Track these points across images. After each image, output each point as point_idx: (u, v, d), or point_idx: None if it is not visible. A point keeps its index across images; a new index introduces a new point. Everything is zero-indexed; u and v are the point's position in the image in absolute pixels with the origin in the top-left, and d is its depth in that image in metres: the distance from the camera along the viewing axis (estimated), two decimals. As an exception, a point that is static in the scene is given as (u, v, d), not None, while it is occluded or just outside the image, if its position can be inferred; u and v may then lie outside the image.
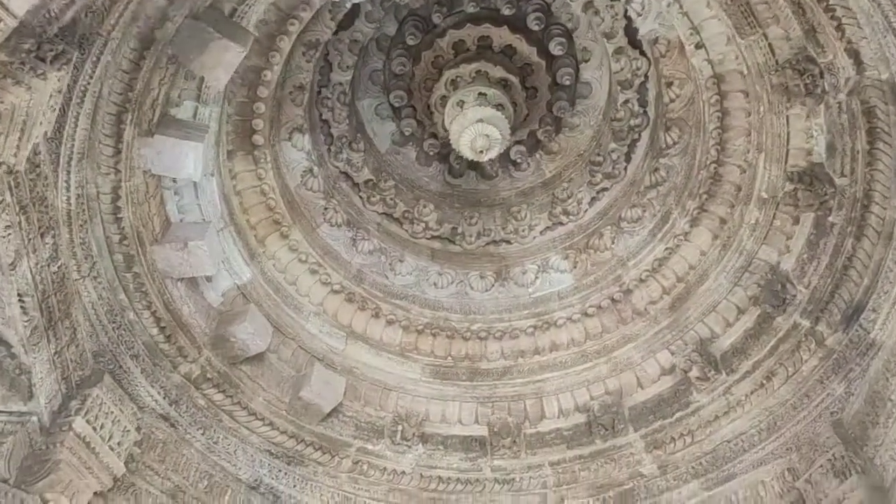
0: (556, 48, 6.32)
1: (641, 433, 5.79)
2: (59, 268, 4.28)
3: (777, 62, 4.61)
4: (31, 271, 4.02)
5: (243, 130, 5.50)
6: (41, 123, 3.50)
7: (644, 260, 6.11)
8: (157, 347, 5.16)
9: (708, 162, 5.56)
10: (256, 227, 5.83)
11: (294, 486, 5.68)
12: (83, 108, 4.00)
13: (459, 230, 6.75)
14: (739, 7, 4.52)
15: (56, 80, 3.37)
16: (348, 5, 5.41)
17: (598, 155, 6.56)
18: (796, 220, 5.18)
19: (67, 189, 4.22)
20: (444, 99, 6.34)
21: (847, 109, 4.46)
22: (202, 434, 5.35)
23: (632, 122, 6.30)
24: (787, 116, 4.87)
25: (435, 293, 6.50)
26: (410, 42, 6.30)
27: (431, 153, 6.83)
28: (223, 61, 4.28)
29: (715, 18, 4.91)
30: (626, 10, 5.78)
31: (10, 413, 4.27)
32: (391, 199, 6.67)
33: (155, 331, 5.12)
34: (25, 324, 4.06)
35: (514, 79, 6.29)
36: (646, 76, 6.11)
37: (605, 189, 6.52)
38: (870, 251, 4.81)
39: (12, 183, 3.74)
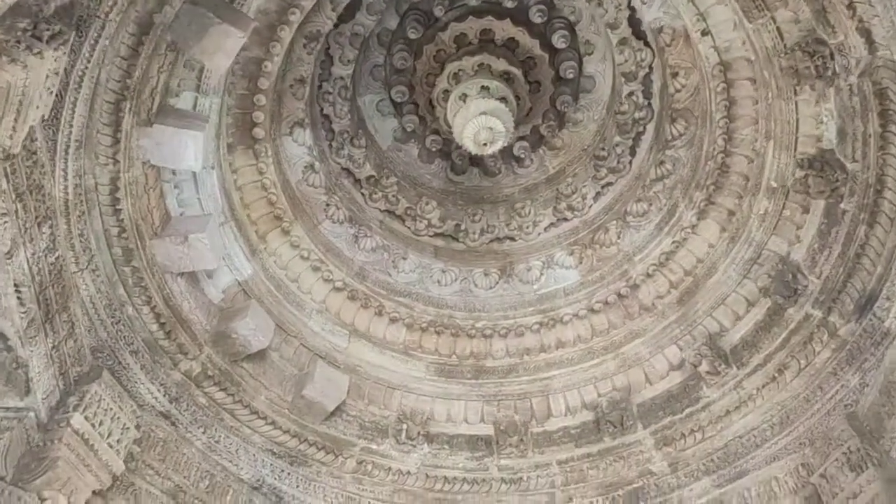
0: (559, 41, 6.26)
1: (651, 430, 5.69)
2: (56, 259, 4.19)
3: (786, 46, 4.53)
4: (27, 261, 3.93)
5: (244, 123, 5.43)
6: (38, 106, 3.42)
7: (651, 254, 6.03)
8: (157, 344, 5.06)
9: (715, 152, 5.48)
10: (257, 223, 5.74)
11: (297, 486, 5.57)
12: (81, 93, 3.92)
13: (463, 227, 6.67)
14: (747, -10, 4.44)
15: (53, 60, 3.29)
16: (349, -3, 5.34)
17: (603, 149, 6.49)
18: (806, 209, 5.09)
19: (65, 178, 4.13)
20: (446, 93, 6.28)
21: (858, 92, 4.38)
22: (203, 433, 5.25)
23: (636, 115, 6.23)
24: (796, 102, 4.79)
25: (439, 291, 6.42)
26: (412, 36, 6.24)
27: (434, 149, 6.76)
28: (224, 47, 4.21)
29: (721, 4, 4.84)
30: (629, 1, 5.73)
31: (7, 409, 4.18)
32: (393, 195, 6.60)
33: (155, 327, 5.02)
34: (22, 315, 3.96)
35: (517, 72, 6.23)
36: (650, 67, 6.04)
37: (609, 184, 6.45)
38: (883, 238, 4.72)
39: (8, 169, 3.66)
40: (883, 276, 4.74)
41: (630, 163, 6.36)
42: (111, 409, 4.65)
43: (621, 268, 6.16)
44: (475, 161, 6.90)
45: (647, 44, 5.94)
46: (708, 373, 5.50)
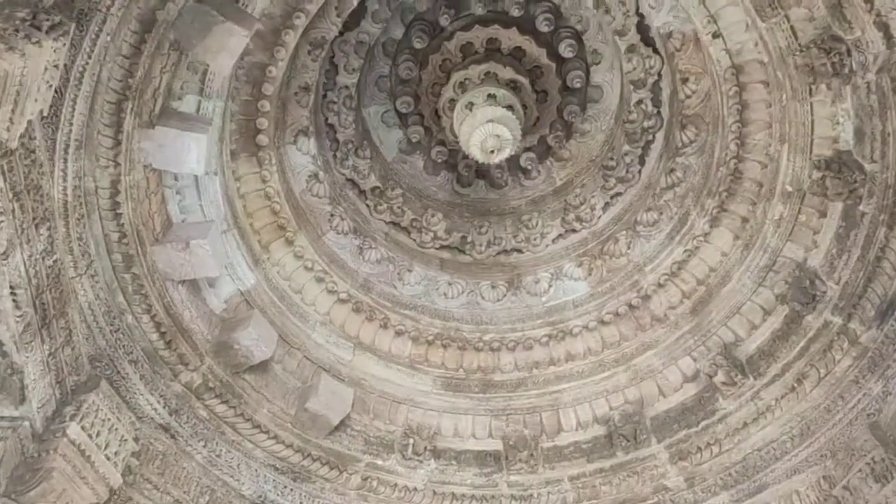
0: (566, 50, 6.19)
1: (665, 444, 5.54)
2: (54, 262, 4.07)
3: (800, 45, 4.44)
4: (24, 263, 3.81)
5: (247, 130, 5.34)
6: (36, 100, 3.33)
7: (662, 264, 5.92)
8: (157, 354, 4.93)
9: (727, 158, 5.38)
10: (261, 232, 5.64)
11: (300, 503, 5.41)
12: (81, 89, 3.83)
13: (469, 239, 6.57)
14: (761, -12, 4.37)
15: (52, 52, 3.20)
16: (355, 2, 5.28)
17: (611, 159, 6.39)
18: (823, 214, 4.98)
19: (64, 179, 4.03)
20: (452, 102, 6.20)
21: (876, 89, 4.29)
22: (203, 446, 5.10)
23: (645, 124, 6.15)
24: (811, 103, 4.70)
25: (445, 303, 6.30)
26: (417, 45, 6.18)
27: (439, 161, 6.67)
28: (227, 46, 4.13)
29: (733, 5, 4.77)
30: (637, 7, 5.67)
31: (2, 418, 4.04)
32: (398, 207, 6.51)
33: (155, 336, 4.90)
34: (18, 319, 3.84)
35: (523, 80, 6.15)
36: (659, 75, 5.96)
37: (619, 194, 6.35)
38: (904, 241, 4.61)
39: (6, 167, 3.56)
40: (905, 280, 4.62)
41: (639, 172, 6.26)
42: (109, 419, 4.51)
43: (632, 278, 6.05)
44: (481, 173, 6.82)
45: (655, 51, 5.87)
46: (724, 383, 5.36)
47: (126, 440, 4.58)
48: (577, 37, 6.25)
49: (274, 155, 5.53)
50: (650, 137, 6.18)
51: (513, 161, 6.61)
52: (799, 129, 4.85)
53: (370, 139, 6.54)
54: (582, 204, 6.49)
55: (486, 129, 5.61)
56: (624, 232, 6.17)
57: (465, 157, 6.56)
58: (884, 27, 3.99)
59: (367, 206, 6.42)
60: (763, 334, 5.34)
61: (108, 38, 3.77)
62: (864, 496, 4.59)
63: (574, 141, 6.64)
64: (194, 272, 4.87)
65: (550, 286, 6.32)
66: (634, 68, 5.99)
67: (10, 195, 3.61)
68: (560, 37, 6.22)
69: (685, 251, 5.77)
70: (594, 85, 6.45)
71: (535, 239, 6.54)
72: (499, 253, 6.56)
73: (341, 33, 5.74)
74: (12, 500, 3.94)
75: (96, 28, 3.66)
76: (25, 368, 3.99)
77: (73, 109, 3.86)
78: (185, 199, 5.00)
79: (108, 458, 4.42)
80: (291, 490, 5.39)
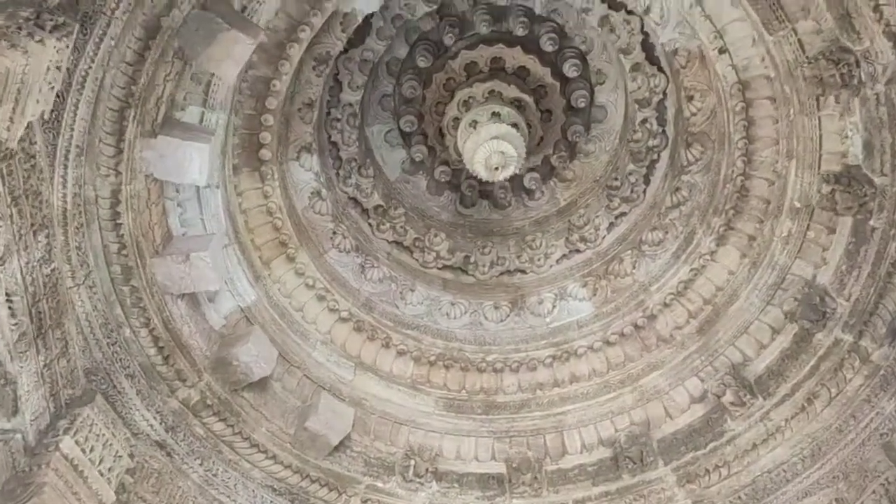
0: (570, 70, 6.19)
1: (673, 466, 5.44)
2: (51, 271, 4.00)
3: (808, 58, 4.42)
4: (21, 270, 3.74)
5: (250, 145, 5.31)
6: (38, 101, 3.29)
7: (668, 283, 5.85)
8: (154, 369, 4.85)
9: (734, 175, 5.34)
10: (262, 249, 5.58)
11: (298, 526, 5.26)
12: (83, 94, 3.80)
13: (472, 259, 6.51)
14: (767, 1, 4.34)
15: (55, 51, 3.17)
16: (360, 18, 5.27)
17: (616, 179, 6.35)
18: (832, 230, 4.92)
19: (64, 185, 3.97)
20: (456, 121, 6.19)
21: (886, 101, 4.25)
22: (200, 465, 4.99)
23: (650, 143, 6.12)
24: (820, 118, 4.66)
25: (447, 323, 6.22)
26: (421, 64, 6.17)
27: (442, 181, 6.63)
28: (232, 53, 4.10)
29: (739, 21, 4.76)
30: (642, 25, 5.67)
31: (-7, 430, 3.92)
32: (401, 226, 6.45)
33: (152, 351, 4.81)
34: (13, 327, 3.75)
35: (528, 99, 6.15)
36: (664, 93, 5.94)
37: (623, 213, 6.30)
38: (916, 256, 4.55)
39: (4, 170, 3.51)
40: (917, 296, 4.55)
41: (644, 191, 6.22)
42: (103, 434, 4.40)
43: (637, 298, 5.98)
44: (485, 193, 6.79)
45: (660, 69, 5.86)
46: (732, 404, 5.27)
47: (121, 456, 4.47)
48: (582, 56, 6.25)
49: (276, 170, 5.49)
50: (655, 156, 6.14)
51: (516, 181, 6.60)
52: (807, 144, 4.80)
53: (373, 158, 6.51)
54: (586, 224, 6.44)
55: (490, 145, 5.58)
56: (629, 252, 6.12)
57: (469, 177, 6.57)
58: (893, 37, 3.96)
59: (370, 224, 6.37)
60: (772, 353, 5.26)
61: (112, 43, 3.74)
62: (878, 519, 4.45)
63: (578, 161, 6.61)
64: (194, 285, 4.79)
65: (554, 307, 6.25)
66: (639, 87, 5.97)
67: (9, 199, 3.56)
68: (564, 56, 6.22)
69: (691, 270, 5.71)
70: (598, 105, 6.44)
71: (538, 259, 6.48)
72: (502, 273, 6.50)
73: (346, 50, 5.74)
74: (2, 515, 3.81)
75: (100, 31, 3.63)
76: (19, 379, 3.90)
77: (75, 115, 3.81)
78: (186, 212, 4.94)
79: (102, 475, 4.30)
80: (289, 512, 5.26)
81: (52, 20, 3.13)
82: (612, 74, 6.29)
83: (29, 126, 3.47)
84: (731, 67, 4.98)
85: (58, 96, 3.60)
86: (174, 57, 4.20)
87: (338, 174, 6.22)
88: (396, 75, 6.33)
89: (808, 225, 5.02)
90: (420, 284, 6.30)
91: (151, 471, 4.75)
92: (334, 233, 6.04)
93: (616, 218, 6.33)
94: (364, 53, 5.91)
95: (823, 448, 4.95)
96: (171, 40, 4.08)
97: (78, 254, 4.26)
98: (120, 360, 4.66)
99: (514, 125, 5.80)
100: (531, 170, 6.57)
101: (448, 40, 6.14)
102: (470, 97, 6.13)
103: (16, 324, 3.78)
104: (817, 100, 4.56)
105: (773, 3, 4.36)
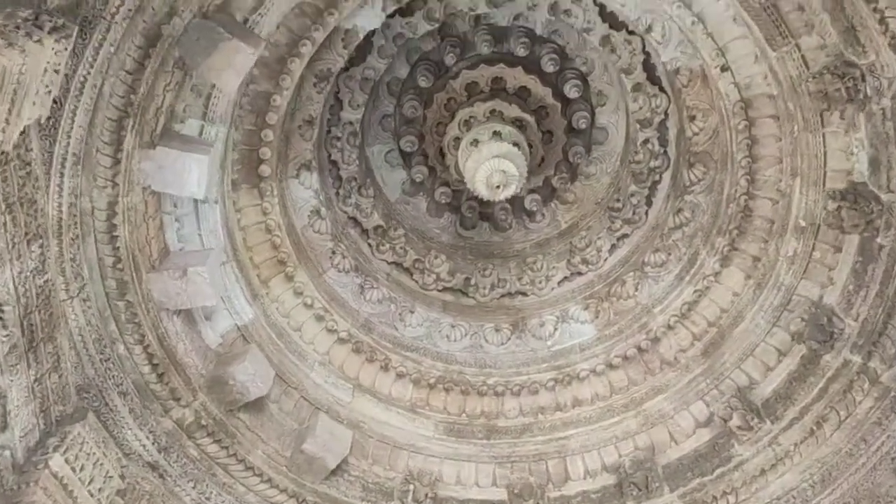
0: (571, 91, 6.17)
1: (679, 493, 5.33)
2: (45, 283, 3.91)
3: (812, 74, 4.39)
4: (13, 280, 3.65)
5: (250, 161, 5.26)
6: (34, 103, 3.23)
7: (671, 305, 5.78)
8: (148, 387, 4.74)
9: (737, 195, 5.30)
10: (260, 267, 5.50)
11: (293, 551, 5.11)
12: (81, 101, 3.74)
13: (473, 282, 6.44)
14: (770, 16, 4.33)
15: (53, 52, 3.12)
16: (361, 35, 5.26)
17: (618, 200, 6.31)
18: (838, 248, 4.85)
19: (59, 194, 3.90)
20: (457, 140, 6.16)
21: (892, 115, 4.21)
22: (193, 488, 4.87)
23: (652, 164, 6.08)
24: (824, 135, 4.62)
25: (447, 346, 6.13)
26: (422, 84, 6.16)
27: (443, 202, 6.58)
28: (233, 63, 4.06)
29: (741, 38, 4.74)
30: (643, 45, 5.67)
31: (-19, 446, 3.80)
32: (401, 247, 6.39)
33: (147, 368, 4.72)
34: (4, 339, 3.66)
35: (529, 118, 6.12)
36: (665, 114, 5.92)
37: (625, 235, 6.26)
38: (925, 274, 4.48)
39: (-1, 176, 3.43)
40: (926, 315, 4.48)
41: (646, 213, 6.18)
42: (94, 453, 4.29)
43: (640, 321, 5.91)
44: (485, 216, 6.75)
45: (662, 89, 5.84)
46: (739, 428, 5.17)
47: (111, 476, 4.36)
48: (583, 77, 6.23)
49: (276, 187, 5.44)
50: (657, 177, 6.10)
51: (517, 203, 6.57)
52: (811, 161, 4.76)
53: (373, 178, 6.46)
54: (588, 246, 6.38)
55: (491, 164, 5.53)
56: (631, 273, 6.06)
57: (469, 198, 6.54)
58: (899, 50, 3.95)
59: (369, 244, 6.31)
60: (779, 376, 5.17)
61: (112, 49, 3.70)
62: (891, 545, 4.32)
63: (579, 183, 6.58)
64: (191, 301, 4.70)
65: (556, 329, 6.17)
66: (640, 107, 5.95)
67: (3, 207, 3.49)
68: (565, 77, 6.21)
69: (695, 292, 5.64)
70: (599, 126, 6.42)
71: (540, 282, 6.42)
72: (503, 296, 6.43)
73: (347, 68, 5.73)
74: (-13, 535, 3.68)
75: (100, 37, 3.59)
76: (9, 393, 3.79)
77: (73, 122, 3.76)
78: (183, 227, 4.87)
79: (92, 495, 4.19)
80: (284, 537, 5.11)
81: (50, 21, 3.09)
82: (613, 96, 6.28)
83: (25, 131, 3.41)
84: (734, 85, 4.96)
85: (55, 102, 3.55)
86: (174, 67, 4.16)
87: (337, 193, 6.17)
88: (397, 95, 6.32)
89: (814, 244, 4.96)
90: (420, 306, 6.22)
91: (143, 492, 4.63)
92: (333, 252, 5.97)
93: (618, 240, 6.28)
94: (365, 72, 5.89)
95: (834, 473, 4.85)
96: (171, 49, 4.04)
97: (72, 266, 4.18)
98: (113, 377, 4.56)
99: (516, 144, 5.76)
100: (532, 191, 6.53)
101: (449, 60, 6.13)
102: (471, 116, 6.11)
103: (7, 335, 3.68)
104: (821, 116, 4.53)
105: (776, 19, 4.34)
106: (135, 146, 4.21)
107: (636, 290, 6.00)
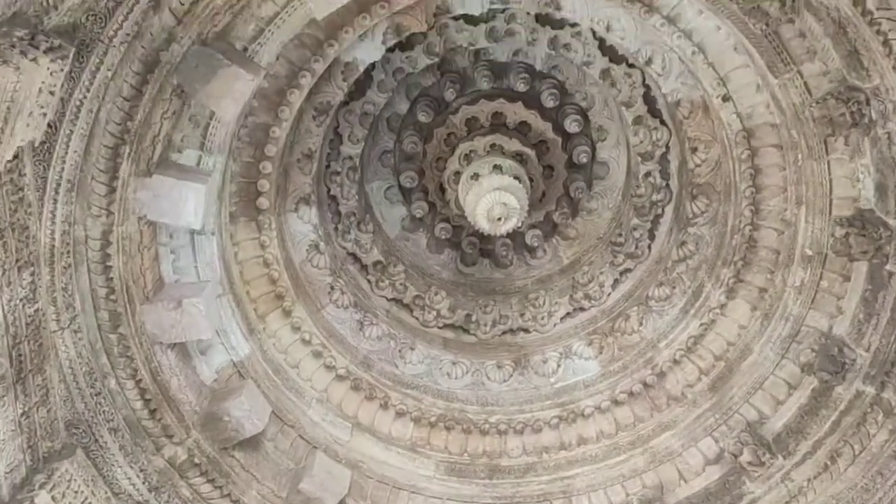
0: (571, 125, 6.16)
1: (690, 534, 5.12)
2: (35, 312, 3.81)
3: (815, 100, 4.36)
4: (2, 308, 3.56)
5: (248, 194, 5.20)
6: (28, 124, 3.17)
7: (677, 339, 5.69)
8: (140, 424, 4.62)
9: (742, 226, 5.23)
10: (257, 302, 5.41)
11: None
12: (77, 126, 3.69)
13: (474, 318, 6.35)
14: (772, 43, 4.32)
15: (48, 73, 3.08)
16: (361, 68, 5.26)
17: (620, 235, 6.25)
18: (847, 277, 4.77)
19: (52, 221, 3.83)
20: (457, 175, 6.13)
21: (899, 139, 4.16)
22: (185, 530, 4.66)
23: (654, 197, 6.04)
24: (829, 162, 4.58)
25: (448, 384, 6.02)
26: (422, 119, 6.15)
27: (443, 238, 6.52)
28: (232, 90, 4.02)
29: (742, 67, 4.73)
30: (643, 78, 5.67)
31: (-37, 482, 3.65)
32: (401, 284, 6.32)
33: (139, 404, 4.59)
34: (-10, 369, 3.52)
35: (530, 152, 6.10)
36: (667, 146, 5.90)
37: (628, 269, 6.19)
38: (938, 300, 4.39)
39: (-10, 200, 3.35)
40: (940, 343, 4.37)
41: (649, 247, 6.11)
42: (82, 492, 4.16)
43: (645, 356, 5.81)
44: (486, 252, 6.70)
45: (662, 122, 5.83)
46: (750, 464, 5.03)
47: (99, 516, 4.16)
48: (583, 112, 6.23)
49: (274, 220, 5.37)
50: (659, 211, 6.06)
51: (518, 239, 6.51)
52: (817, 189, 4.71)
53: (373, 214, 6.41)
54: (590, 281, 6.30)
55: (492, 196, 5.49)
56: (635, 308, 5.98)
57: (470, 234, 6.49)
58: (904, 72, 3.92)
59: (369, 280, 6.23)
60: (790, 409, 5.05)
61: (109, 74, 3.66)
62: (913, 585, 4.14)
63: (581, 219, 6.54)
64: (185, 334, 4.59)
65: (559, 366, 6.06)
66: (641, 141, 5.93)
67: (-7, 231, 3.39)
68: (565, 112, 6.21)
69: (701, 325, 5.55)
70: (600, 161, 6.40)
71: (542, 318, 6.32)
72: (504, 332, 6.34)
73: (347, 102, 5.73)
74: (-33, 576, 3.51)
75: (97, 60, 3.56)
76: (-5, 425, 3.65)
77: (68, 147, 3.70)
78: (179, 259, 4.79)
79: (79, 535, 3.99)
80: (279, 583, 4.92)
81: (47, 41, 3.06)
82: (614, 131, 6.27)
83: (19, 155, 3.35)
84: (736, 115, 4.94)
85: (50, 126, 3.50)
86: (172, 94, 4.13)
87: (336, 228, 6.12)
88: (397, 131, 6.31)
89: (822, 273, 4.87)
90: (420, 343, 6.12)
91: (131, 534, 4.43)
92: (332, 288, 5.88)
93: (621, 274, 6.21)
94: (365, 106, 5.89)
95: (850, 510, 4.67)
96: (169, 76, 4.01)
97: (64, 295, 4.08)
98: (103, 412, 4.43)
99: (517, 177, 5.72)
100: (533, 227, 6.49)
101: (449, 96, 6.14)
102: (471, 150, 6.09)
103: (-6, 365, 3.56)
104: (825, 143, 4.49)
105: (778, 46, 4.33)
106: (131, 174, 4.16)
107: (640, 324, 5.91)
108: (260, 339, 5.37)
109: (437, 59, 5.74)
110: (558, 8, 4.96)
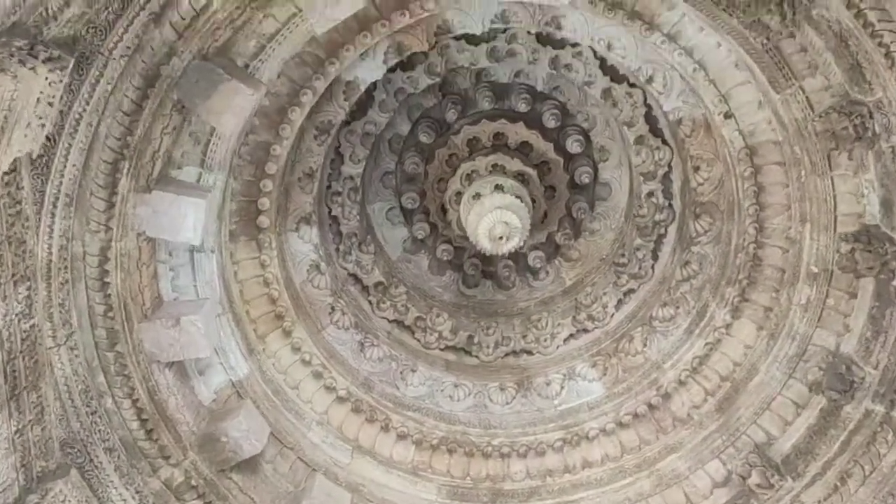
0: (573, 146, 6.16)
1: (698, 559, 5.01)
2: (31, 328, 3.76)
3: (818, 114, 4.33)
4: (-3, 322, 3.49)
5: (248, 213, 5.17)
6: (26, 135, 3.14)
7: (682, 360, 5.62)
8: (136, 444, 4.55)
9: (746, 244, 5.19)
10: (257, 322, 5.35)
11: None
12: (76, 139, 3.67)
13: (476, 340, 6.29)
14: (773, 59, 4.30)
15: (46, 83, 3.06)
16: (362, 87, 5.26)
17: (623, 255, 6.21)
18: (853, 295, 4.70)
19: (50, 236, 3.79)
20: (458, 195, 6.11)
21: (903, 153, 4.13)
22: (180, 555, 4.57)
23: (657, 217, 6.00)
24: (832, 178, 4.54)
25: (450, 406, 5.94)
26: (424, 140, 6.15)
27: (444, 259, 6.48)
28: (232, 105, 4.01)
29: (744, 84, 4.72)
30: (645, 98, 5.66)
31: (-46, 502, 3.58)
32: (402, 305, 6.27)
33: (135, 424, 4.52)
34: (-16, 384, 3.47)
35: (531, 172, 6.09)
36: (669, 166, 5.88)
37: (632, 290, 6.14)
38: (946, 316, 4.32)
39: (-13, 213, 3.33)
40: (950, 360, 4.30)
41: (653, 267, 6.07)
42: (76, 513, 4.02)
43: (650, 377, 5.74)
44: (488, 274, 6.66)
45: (664, 142, 5.81)
46: (759, 486, 4.94)
47: (93, 539, 4.07)
48: (585, 133, 6.22)
49: (274, 239, 5.33)
50: (662, 230, 6.02)
51: (520, 260, 6.48)
52: (821, 205, 4.66)
53: (374, 235, 6.38)
54: (594, 302, 6.25)
55: (494, 216, 5.45)
56: (639, 329, 5.91)
57: (472, 255, 6.46)
58: (907, 84, 3.90)
59: (370, 302, 6.18)
60: (798, 430, 4.96)
61: (109, 88, 3.65)
62: None
63: (583, 239, 6.51)
64: (184, 352, 4.53)
65: (563, 388, 5.99)
66: (643, 161, 5.91)
67: (-10, 244, 3.36)
68: (567, 133, 6.21)
69: (706, 345, 5.48)
70: (602, 182, 6.38)
71: (545, 340, 6.27)
72: (507, 354, 6.28)
73: (348, 122, 5.73)
74: None
75: (96, 73, 3.55)
76: (-13, 444, 3.58)
77: (66, 161, 3.68)
78: (178, 277, 4.74)
79: (71, 558, 3.89)
80: None
81: (46, 52, 3.05)
82: (616, 151, 6.26)
83: (16, 167, 3.32)
84: (738, 132, 4.92)
85: (48, 139, 3.48)
86: (173, 109, 4.12)
87: (338, 249, 6.08)
88: (399, 152, 6.31)
89: (828, 291, 4.81)
90: (422, 365, 6.06)
91: (126, 557, 4.33)
92: (333, 308, 5.83)
93: (624, 295, 6.16)
94: (366, 126, 5.89)
95: (862, 531, 4.55)
96: (169, 91, 4.00)
97: (61, 312, 4.03)
98: (99, 431, 4.36)
99: (518, 197, 5.70)
100: (535, 248, 6.45)
101: (450, 117, 6.14)
102: (473, 170, 6.08)
103: (-13, 381, 3.50)
104: (829, 158, 4.45)
105: (779, 61, 4.32)
106: (130, 190, 4.13)
107: (645, 345, 5.84)
108: (259, 359, 5.31)
109: (438, 79, 5.75)
110: (559, 27, 4.96)
